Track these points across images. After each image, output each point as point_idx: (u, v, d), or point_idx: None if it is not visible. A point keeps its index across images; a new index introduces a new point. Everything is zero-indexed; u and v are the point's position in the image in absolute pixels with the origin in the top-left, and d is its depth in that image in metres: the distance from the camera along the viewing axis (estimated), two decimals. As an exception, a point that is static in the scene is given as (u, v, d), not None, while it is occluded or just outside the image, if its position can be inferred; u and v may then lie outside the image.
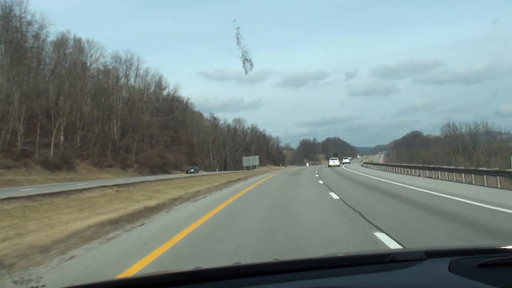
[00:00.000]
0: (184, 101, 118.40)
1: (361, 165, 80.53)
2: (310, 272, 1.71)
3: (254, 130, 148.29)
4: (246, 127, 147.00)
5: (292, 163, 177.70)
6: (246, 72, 3.91)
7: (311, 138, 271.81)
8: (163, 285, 1.63)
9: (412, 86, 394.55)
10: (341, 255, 2.21)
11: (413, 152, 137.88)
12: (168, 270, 2.19)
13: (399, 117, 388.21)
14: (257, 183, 25.89)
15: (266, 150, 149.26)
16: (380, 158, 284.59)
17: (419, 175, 29.19)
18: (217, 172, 79.74)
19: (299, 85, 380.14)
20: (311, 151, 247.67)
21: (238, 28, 3.91)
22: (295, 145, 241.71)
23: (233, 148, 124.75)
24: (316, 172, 41.94)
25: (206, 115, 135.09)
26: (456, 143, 70.94)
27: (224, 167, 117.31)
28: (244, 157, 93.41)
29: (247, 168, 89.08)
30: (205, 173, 67.38)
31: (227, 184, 25.40)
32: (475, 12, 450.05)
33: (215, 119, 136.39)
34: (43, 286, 3.10)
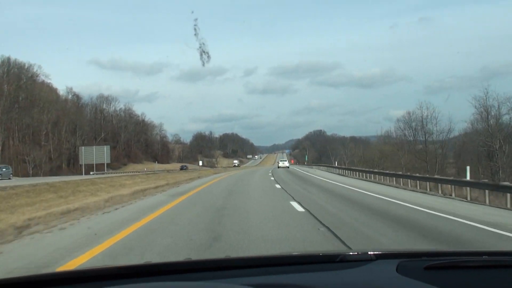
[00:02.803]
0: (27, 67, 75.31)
1: (323, 171, 49.75)
2: (261, 269, 1.74)
3: (128, 112, 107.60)
4: (118, 108, 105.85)
5: (182, 160, 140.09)
6: (203, 65, 4.08)
7: (207, 132, 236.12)
8: (112, 278, 1.64)
9: (309, 87, 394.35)
10: (292, 253, 2.28)
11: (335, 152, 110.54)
12: (117, 264, 2.12)
13: (295, 117, 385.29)
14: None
15: (144, 142, 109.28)
16: (283, 157, 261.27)
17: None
18: None
19: (197, 80, 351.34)
20: (206, 147, 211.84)
21: (196, 19, 4.05)
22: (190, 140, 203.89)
23: (90, 136, 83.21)
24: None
25: (61, 89, 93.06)
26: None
27: (72, 164, 75.62)
28: (84, 147, 54.21)
29: (93, 168, 49.97)
30: None
31: None
32: (374, 19, 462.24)
33: (77, 96, 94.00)
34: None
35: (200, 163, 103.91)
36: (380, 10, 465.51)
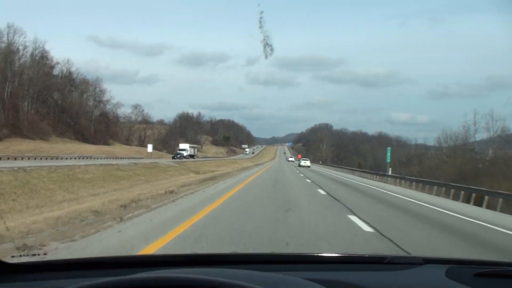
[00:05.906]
0: None
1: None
2: (312, 266, 1.85)
3: (42, 56, 65.32)
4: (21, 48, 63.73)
5: (126, 142, 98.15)
6: (266, 57, 4.50)
7: (195, 113, 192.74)
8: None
9: (311, 82, 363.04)
10: (341, 253, 2.31)
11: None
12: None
13: (296, 112, 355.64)
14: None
15: (57, 105, 66.34)
16: (283, 149, 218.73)
17: None
18: None
19: (198, 65, 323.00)
20: (191, 129, 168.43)
21: (261, 12, 4.40)
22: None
23: None
24: None
25: None
26: None
27: None
28: None
29: None
30: None
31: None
32: (384, 18, 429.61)
33: None
34: (44, 254, 3.67)
35: (150, 148, 61.68)
36: (391, 9, 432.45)
